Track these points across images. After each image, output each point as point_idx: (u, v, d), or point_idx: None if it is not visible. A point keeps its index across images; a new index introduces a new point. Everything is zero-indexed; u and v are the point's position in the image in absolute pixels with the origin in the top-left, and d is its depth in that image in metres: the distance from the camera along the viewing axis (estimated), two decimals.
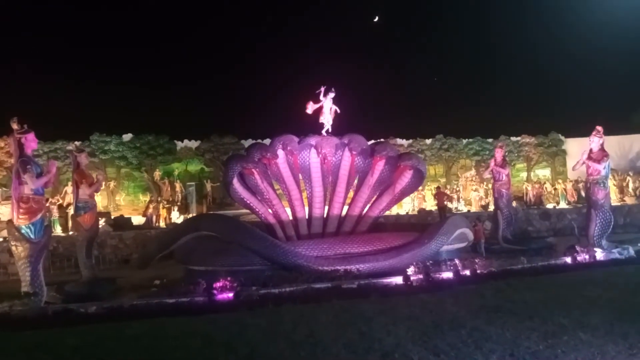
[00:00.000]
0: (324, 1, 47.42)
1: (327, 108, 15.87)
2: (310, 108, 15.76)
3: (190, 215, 24.39)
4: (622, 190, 28.00)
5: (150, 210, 23.36)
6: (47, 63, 37.64)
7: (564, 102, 41.35)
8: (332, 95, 15.84)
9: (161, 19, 46.74)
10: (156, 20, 46.25)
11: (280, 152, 14.97)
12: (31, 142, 10.90)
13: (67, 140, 28.85)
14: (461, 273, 11.58)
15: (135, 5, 47.04)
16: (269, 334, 7.33)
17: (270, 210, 15.13)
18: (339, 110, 16.14)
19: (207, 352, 6.66)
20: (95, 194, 13.51)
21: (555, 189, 29.51)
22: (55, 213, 20.70)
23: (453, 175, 34.60)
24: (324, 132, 15.79)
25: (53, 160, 14.34)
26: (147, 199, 27.69)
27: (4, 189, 23.55)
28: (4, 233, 15.70)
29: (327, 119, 15.87)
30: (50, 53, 38.74)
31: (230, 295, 10.01)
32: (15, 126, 10.70)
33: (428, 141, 35.11)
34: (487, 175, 18.69)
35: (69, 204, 20.47)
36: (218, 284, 10.29)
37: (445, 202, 24.32)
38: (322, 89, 15.78)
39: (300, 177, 15.90)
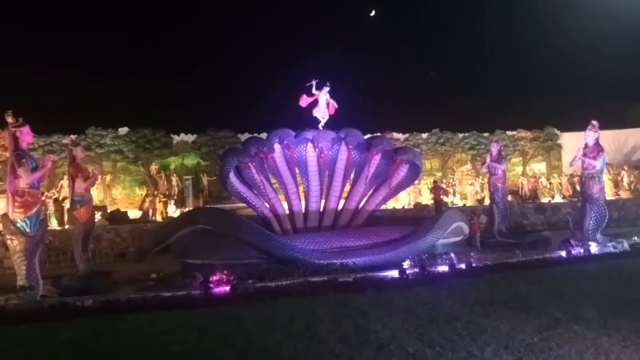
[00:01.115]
0: None
1: (322, 102, 15.83)
2: (304, 101, 15.74)
3: (187, 209, 24.38)
4: (617, 184, 28.15)
5: (146, 204, 23.34)
6: (42, 56, 37.40)
7: (559, 97, 41.36)
8: (327, 89, 15.79)
9: (157, 12, 46.47)
10: (152, 14, 46.00)
11: (277, 146, 14.96)
12: (26, 136, 10.84)
13: (62, 133, 28.71)
14: (457, 266, 11.64)
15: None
16: (265, 327, 7.35)
17: (266, 204, 15.14)
18: (336, 105, 16.08)
19: (203, 346, 6.67)
20: (91, 187, 13.48)
21: (550, 183, 29.63)
22: (51, 207, 20.64)
23: (449, 170, 34.68)
24: (320, 126, 15.79)
25: (49, 154, 14.25)
26: (144, 192, 27.64)
27: (0, 182, 23.46)
28: (0, 227, 15.67)
29: (323, 113, 15.84)
30: (46, 46, 38.51)
31: (227, 288, 10.03)
32: (10, 119, 10.64)
33: (424, 135, 35.13)
34: (483, 170, 18.77)
35: (64, 198, 20.44)
36: (214, 278, 10.31)
37: (442, 196, 24.39)
38: (314, 82, 15.73)
39: (297, 171, 15.90)
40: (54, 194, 22.28)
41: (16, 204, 10.44)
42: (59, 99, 34.31)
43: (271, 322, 7.59)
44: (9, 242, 10.58)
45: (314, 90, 15.75)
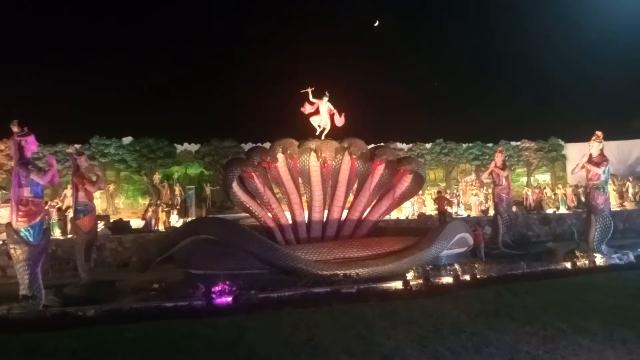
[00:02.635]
0: (324, 5, 47.59)
1: (323, 110, 15.81)
2: (307, 109, 15.73)
3: (190, 219, 24.36)
4: (621, 195, 28.02)
5: (149, 214, 23.35)
6: (47, 66, 37.73)
7: (563, 107, 41.45)
8: (326, 98, 15.74)
9: (161, 23, 46.87)
10: (156, 25, 46.38)
11: (280, 156, 14.97)
12: (31, 145, 10.88)
13: (67, 143, 28.87)
14: (461, 278, 11.56)
15: (136, 9, 47.18)
16: (267, 338, 7.31)
17: (269, 214, 15.11)
18: (341, 120, 15.93)
19: (205, 356, 6.64)
20: (99, 191, 13.48)
21: (555, 193, 29.53)
22: (55, 216, 20.67)
23: (453, 180, 34.63)
24: (323, 135, 15.77)
25: (50, 155, 14.25)
26: (147, 202, 27.69)
27: (4, 191, 23.53)
28: (3, 236, 15.67)
29: (324, 122, 15.80)
30: (51, 56, 38.85)
31: (229, 299, 9.98)
32: (15, 129, 10.70)
33: (428, 145, 35.13)
34: (485, 175, 18.56)
35: (68, 207, 20.47)
36: (217, 288, 10.26)
37: (446, 207, 24.31)
38: (309, 90, 15.71)
39: (300, 180, 15.89)
40: (57, 203, 22.33)
41: (20, 213, 10.46)
42: (63, 108, 34.57)
43: (274, 333, 7.55)
44: (12, 251, 10.58)
45: (311, 98, 15.73)
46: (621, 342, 6.58)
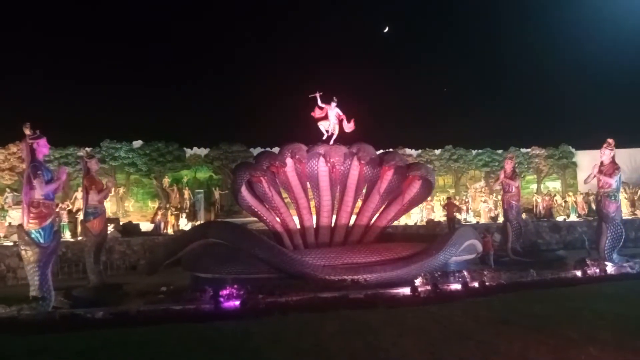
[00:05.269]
0: (334, 11, 47.76)
1: (332, 116, 15.81)
2: (317, 113, 15.76)
3: (198, 223, 24.46)
4: (633, 203, 27.77)
5: (158, 217, 23.50)
6: (59, 69, 38.15)
7: (574, 114, 41.15)
8: (334, 104, 15.77)
9: (172, 27, 47.25)
10: (167, 29, 46.78)
11: (289, 161, 14.98)
12: (43, 148, 11.00)
13: (78, 146, 29.16)
14: (469, 285, 11.48)
15: (147, 13, 47.65)
16: (274, 342, 7.29)
17: (278, 219, 15.11)
18: (351, 126, 15.91)
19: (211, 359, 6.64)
20: (104, 200, 13.60)
21: (565, 201, 29.32)
22: (65, 218, 20.86)
23: (462, 186, 34.48)
24: (331, 140, 15.77)
25: (64, 166, 14.38)
26: (156, 205, 27.86)
27: (15, 193, 23.79)
28: (14, 237, 15.82)
29: (332, 128, 15.79)
30: (62, 59, 39.26)
31: (237, 303, 9.99)
32: (27, 131, 10.81)
33: (437, 151, 35.04)
34: (496, 186, 18.57)
35: (78, 210, 20.65)
36: (225, 292, 10.29)
37: (455, 213, 24.19)
38: (318, 94, 15.73)
39: (309, 185, 15.88)
40: (68, 206, 22.53)
41: (31, 214, 10.56)
42: (74, 112, 34.95)
43: (280, 338, 7.53)
44: (23, 252, 10.68)
45: (320, 103, 15.76)
46: (633, 352, 6.48)
